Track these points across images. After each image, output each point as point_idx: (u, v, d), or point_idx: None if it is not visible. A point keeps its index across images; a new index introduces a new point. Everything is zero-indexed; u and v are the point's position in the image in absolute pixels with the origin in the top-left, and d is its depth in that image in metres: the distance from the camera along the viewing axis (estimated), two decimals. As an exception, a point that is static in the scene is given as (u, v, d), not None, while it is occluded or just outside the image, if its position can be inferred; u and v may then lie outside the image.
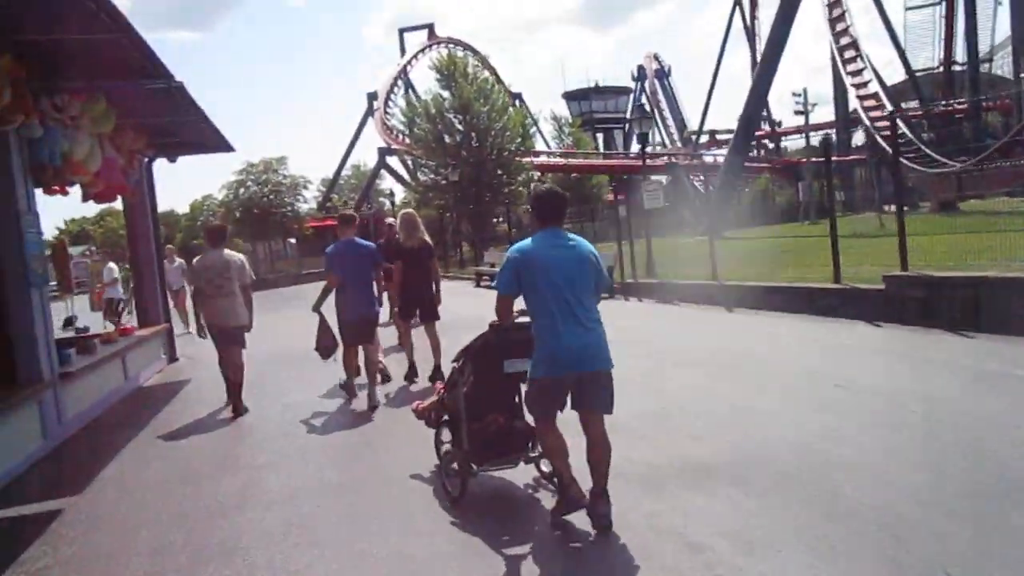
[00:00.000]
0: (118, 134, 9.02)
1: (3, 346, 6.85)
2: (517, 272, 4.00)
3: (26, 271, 6.90)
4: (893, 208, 14.54)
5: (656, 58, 77.88)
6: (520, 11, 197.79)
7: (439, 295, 8.46)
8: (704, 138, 71.79)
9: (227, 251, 7.74)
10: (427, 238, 8.42)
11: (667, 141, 73.37)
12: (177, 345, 12.44)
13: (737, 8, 63.01)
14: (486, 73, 34.50)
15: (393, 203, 43.73)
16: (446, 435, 4.93)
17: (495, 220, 36.02)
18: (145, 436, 7.33)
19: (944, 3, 45.93)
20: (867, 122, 37.45)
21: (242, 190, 43.17)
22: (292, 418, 7.34)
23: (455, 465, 4.67)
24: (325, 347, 7.63)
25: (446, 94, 34.39)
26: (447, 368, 5.96)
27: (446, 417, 4.89)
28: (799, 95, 45.18)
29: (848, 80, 40.33)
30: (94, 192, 8.68)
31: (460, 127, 34.16)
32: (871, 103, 38.13)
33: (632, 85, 78.02)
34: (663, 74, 77.62)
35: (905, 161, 25.03)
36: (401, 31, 67.79)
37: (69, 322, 14.30)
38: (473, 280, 23.53)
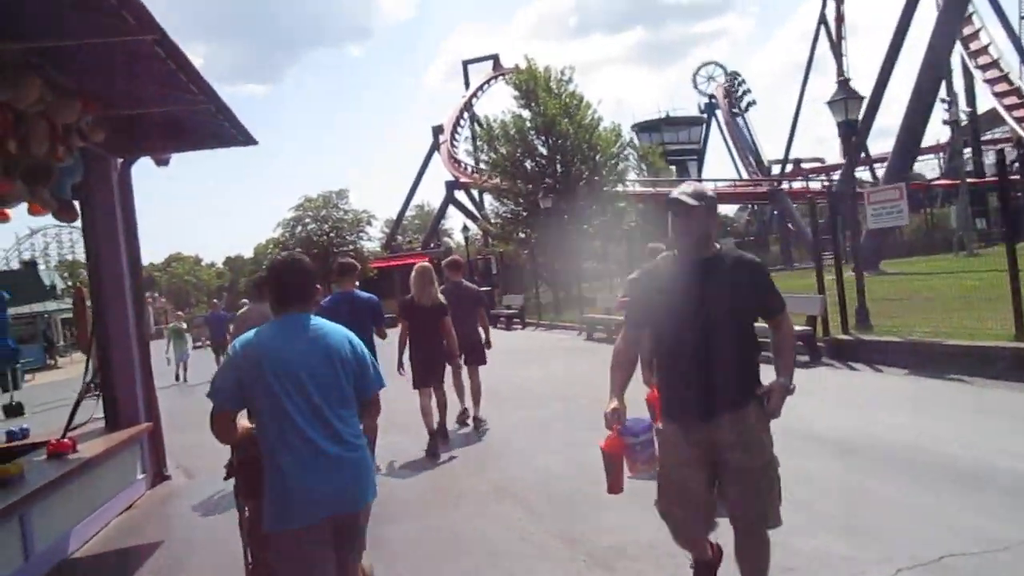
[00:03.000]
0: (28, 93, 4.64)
1: None
2: (238, 376, 2.95)
3: None
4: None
5: (728, 89, 74.42)
6: (576, 55, 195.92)
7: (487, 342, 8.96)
8: (788, 167, 67.73)
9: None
10: (441, 298, 7.92)
11: (743, 172, 69.38)
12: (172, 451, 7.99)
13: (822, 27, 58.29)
14: (572, 86, 30.02)
15: (467, 239, 39.38)
16: None
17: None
18: None
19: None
20: (1013, 123, 31.90)
21: (299, 228, 39.37)
22: None
23: None
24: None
25: (526, 113, 30.08)
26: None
27: None
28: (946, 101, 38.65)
29: (989, 87, 34.90)
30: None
31: (543, 149, 29.75)
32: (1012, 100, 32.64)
33: (700, 116, 76.00)
34: (735, 104, 74.16)
35: None
36: (465, 63, 66.16)
37: (12, 410, 10.43)
38: (580, 330, 18.65)
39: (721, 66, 79.50)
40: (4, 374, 17.44)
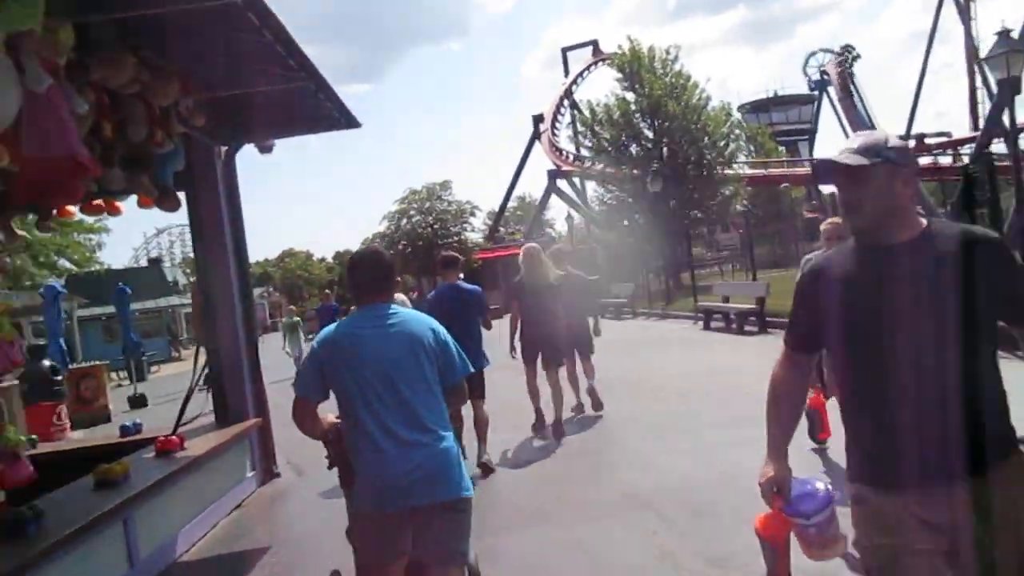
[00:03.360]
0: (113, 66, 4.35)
1: None
2: (320, 366, 3.03)
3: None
4: None
5: (841, 64, 70.21)
6: (675, 38, 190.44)
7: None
8: (911, 143, 63.38)
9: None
10: (550, 277, 7.72)
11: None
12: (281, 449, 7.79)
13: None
14: (678, 65, 28.79)
15: (571, 227, 38.74)
16: None
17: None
18: None
19: None
20: None
21: (404, 220, 39.69)
22: None
23: None
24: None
25: (630, 96, 29.10)
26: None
27: None
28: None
29: None
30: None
31: (649, 132, 28.72)
32: None
33: (811, 94, 71.15)
34: (849, 79, 69.91)
35: None
36: (564, 50, 64.79)
37: (137, 401, 10.62)
38: (695, 319, 17.71)
39: (832, 51, 75.09)
40: (130, 367, 18.11)
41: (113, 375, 24.71)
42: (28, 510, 3.88)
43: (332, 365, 3.00)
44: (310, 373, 3.06)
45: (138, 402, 16.05)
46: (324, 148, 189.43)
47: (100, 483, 4.82)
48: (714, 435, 6.81)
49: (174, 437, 5.74)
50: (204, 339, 7.37)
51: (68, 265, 23.03)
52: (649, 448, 6.75)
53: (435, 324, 3.18)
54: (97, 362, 17.20)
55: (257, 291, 73.07)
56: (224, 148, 7.12)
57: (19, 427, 11.59)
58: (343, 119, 6.82)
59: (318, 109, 6.55)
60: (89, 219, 23.44)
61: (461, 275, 7.19)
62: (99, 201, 7.37)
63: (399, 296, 7.16)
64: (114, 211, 7.67)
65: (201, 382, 6.99)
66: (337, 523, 4.62)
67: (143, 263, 64.83)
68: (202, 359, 7.04)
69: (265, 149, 7.27)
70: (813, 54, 74.93)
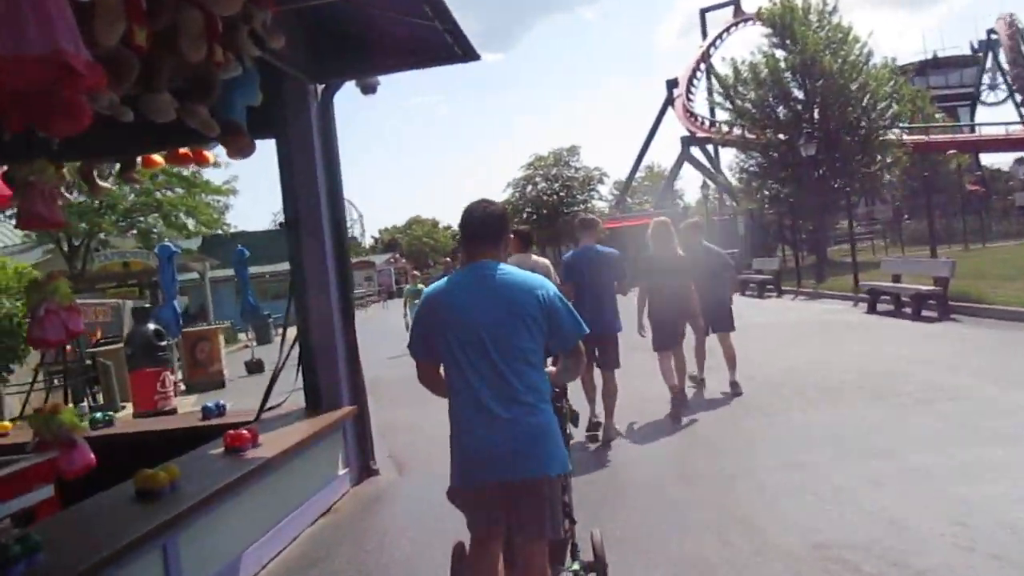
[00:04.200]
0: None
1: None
2: (423, 329, 2.96)
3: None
4: None
5: (1011, 22, 62.67)
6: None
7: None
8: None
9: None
10: (681, 252, 7.37)
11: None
12: (379, 435, 6.76)
13: None
14: (836, 17, 25.84)
15: (706, 197, 36.32)
16: None
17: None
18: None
19: None
20: None
21: (529, 187, 38.43)
22: None
23: None
24: None
25: (780, 53, 26.43)
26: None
27: None
28: None
29: None
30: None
31: (799, 93, 26.03)
32: None
33: (975, 55, 64.36)
34: (1021, 40, 62.32)
35: None
36: (703, 11, 61.76)
37: (254, 366, 9.96)
38: (855, 300, 15.53)
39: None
40: (248, 330, 17.90)
41: (242, 336, 25.02)
42: (17, 545, 2.88)
43: (430, 327, 2.91)
44: (416, 335, 3.00)
45: (255, 367, 15.77)
46: (452, 114, 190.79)
47: (141, 492, 3.84)
48: (926, 459, 5.18)
49: (245, 431, 4.73)
50: (292, 315, 6.38)
51: (195, 227, 23.31)
52: (833, 472, 5.17)
53: (544, 283, 2.89)
54: (213, 324, 17.07)
55: (384, 256, 74.61)
56: (320, 87, 6.01)
57: (121, 393, 11.34)
58: (459, 48, 5.56)
59: (431, 38, 5.35)
60: (216, 180, 23.68)
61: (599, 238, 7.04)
62: (185, 150, 6.55)
63: (539, 259, 6.92)
64: (203, 161, 6.82)
65: (286, 363, 5.97)
66: (448, 528, 3.69)
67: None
68: (291, 337, 6.04)
69: (368, 88, 6.11)
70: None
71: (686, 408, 7.23)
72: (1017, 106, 61.02)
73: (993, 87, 64.47)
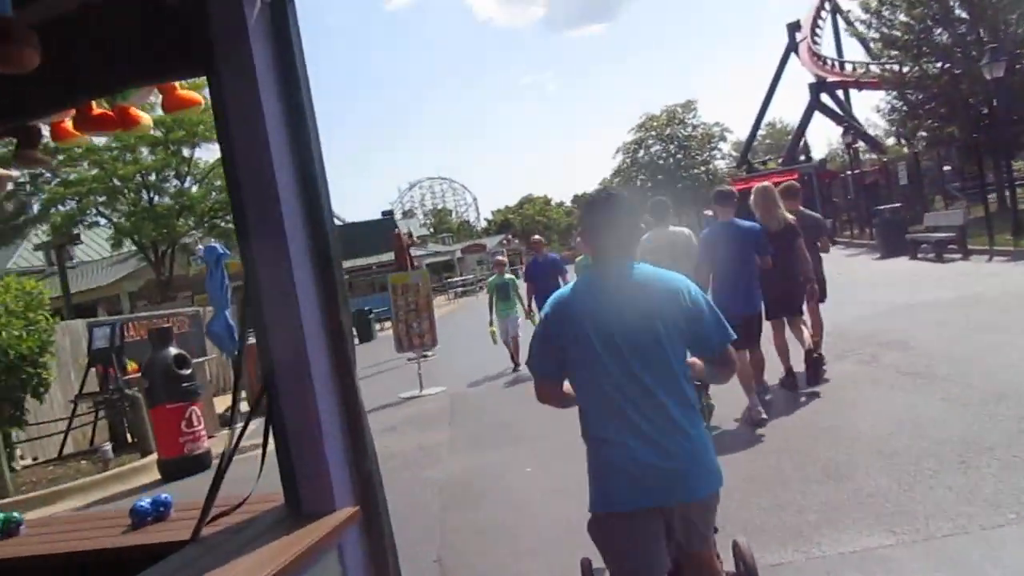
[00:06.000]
0: None
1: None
2: (548, 340, 2.67)
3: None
4: None
5: None
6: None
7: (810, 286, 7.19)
8: None
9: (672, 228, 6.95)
10: (789, 218, 7.14)
11: None
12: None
13: None
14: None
15: (848, 147, 31.89)
16: None
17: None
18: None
19: None
20: None
21: (641, 151, 35.18)
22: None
23: None
24: None
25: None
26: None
27: None
28: None
29: None
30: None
31: (962, 12, 21.78)
32: None
33: None
34: None
35: None
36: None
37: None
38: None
39: None
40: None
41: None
42: None
43: (559, 338, 2.64)
44: (538, 347, 2.73)
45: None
46: (560, 87, 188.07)
47: None
48: None
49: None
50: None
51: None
52: None
53: (686, 287, 2.61)
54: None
55: (496, 238, 73.04)
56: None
57: (145, 435, 9.57)
58: None
59: None
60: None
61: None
62: (102, 109, 4.35)
63: (678, 229, 7.04)
64: (131, 123, 4.61)
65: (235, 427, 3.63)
66: None
67: (397, 217, 66.27)
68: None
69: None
70: None
71: (824, 371, 7.25)
72: None
73: None
